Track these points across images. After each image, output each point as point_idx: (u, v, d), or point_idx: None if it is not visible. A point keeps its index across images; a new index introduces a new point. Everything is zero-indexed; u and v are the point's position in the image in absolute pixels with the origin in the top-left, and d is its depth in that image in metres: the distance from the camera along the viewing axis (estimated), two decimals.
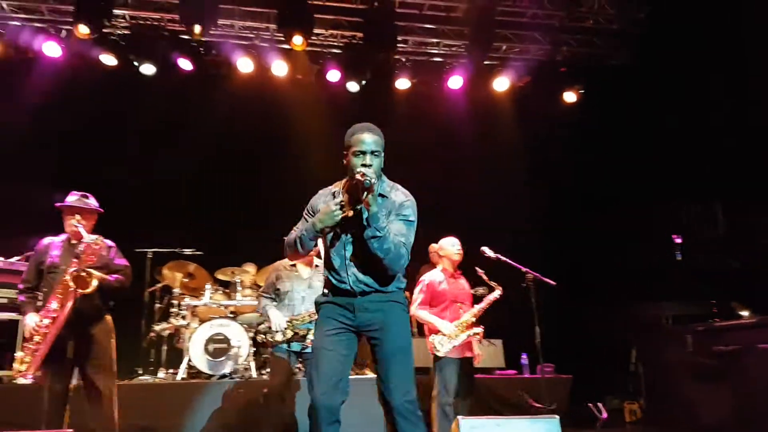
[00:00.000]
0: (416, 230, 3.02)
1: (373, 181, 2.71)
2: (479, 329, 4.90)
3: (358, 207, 2.81)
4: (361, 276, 2.91)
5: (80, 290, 3.79)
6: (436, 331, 4.73)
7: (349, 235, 2.92)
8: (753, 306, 5.80)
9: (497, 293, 5.04)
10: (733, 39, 6.74)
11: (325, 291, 3.05)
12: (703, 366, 5.49)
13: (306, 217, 3.08)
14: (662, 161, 7.73)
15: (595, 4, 7.93)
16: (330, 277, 2.99)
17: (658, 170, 7.78)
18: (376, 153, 2.89)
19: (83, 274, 3.81)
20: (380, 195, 2.91)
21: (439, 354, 4.67)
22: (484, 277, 5.06)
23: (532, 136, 8.44)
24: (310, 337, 4.38)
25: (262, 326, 4.68)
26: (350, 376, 2.94)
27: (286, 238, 3.07)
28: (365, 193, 2.70)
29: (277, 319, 4.53)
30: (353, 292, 2.91)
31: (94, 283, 3.86)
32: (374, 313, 2.91)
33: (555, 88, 8.40)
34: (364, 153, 2.85)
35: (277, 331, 4.48)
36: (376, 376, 2.95)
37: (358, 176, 2.72)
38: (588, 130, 8.32)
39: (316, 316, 4.39)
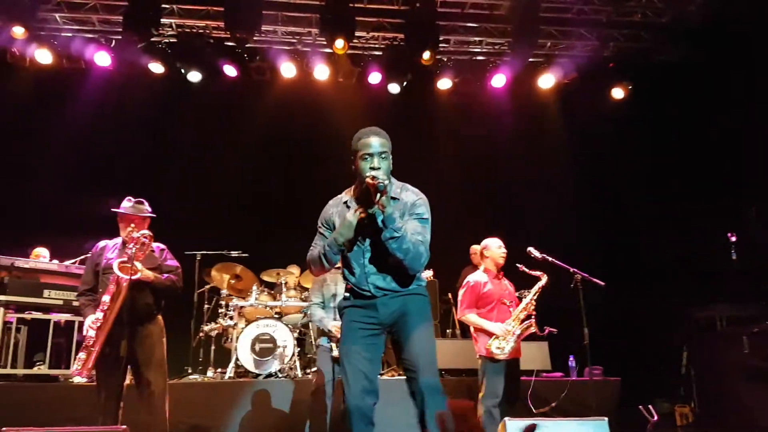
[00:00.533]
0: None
1: (385, 182, 2.71)
2: (531, 318, 4.84)
3: (372, 210, 2.80)
4: (381, 282, 2.92)
5: (126, 277, 3.86)
6: (488, 334, 4.67)
7: (366, 243, 2.92)
8: None
9: (543, 281, 4.97)
10: None
11: (347, 295, 3.05)
12: (759, 368, 5.30)
13: (321, 230, 3.08)
14: (716, 159, 7.46)
15: None
16: (351, 283, 2.99)
17: (712, 169, 7.50)
18: (383, 155, 2.87)
19: (127, 264, 3.90)
20: (391, 197, 2.89)
21: (501, 357, 4.62)
22: (526, 270, 4.98)
23: (579, 134, 8.26)
24: None
25: (325, 344, 4.75)
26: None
27: (308, 256, 3.06)
28: (378, 195, 2.70)
29: (336, 326, 4.58)
30: (374, 297, 2.93)
31: (138, 265, 3.95)
32: (396, 304, 2.92)
33: (602, 85, 8.21)
34: (371, 155, 2.83)
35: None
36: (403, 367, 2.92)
37: (368, 179, 2.71)
38: (638, 126, 8.10)
39: None
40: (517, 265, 4.93)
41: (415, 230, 2.87)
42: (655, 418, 5.01)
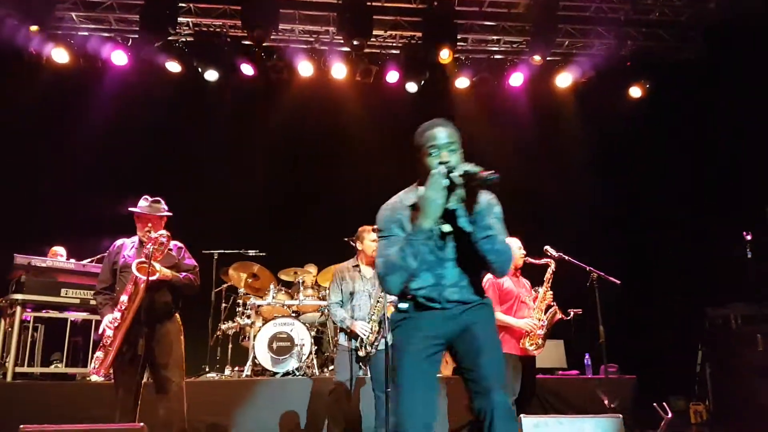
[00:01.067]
0: None
1: (494, 175, 2.38)
2: (553, 306, 4.93)
3: (452, 206, 2.50)
4: (456, 296, 2.59)
5: (144, 278, 3.87)
6: (513, 332, 4.73)
7: (446, 250, 2.59)
8: None
9: (552, 267, 5.03)
10: None
11: (403, 306, 2.65)
12: None
13: (387, 235, 2.62)
14: (734, 158, 7.37)
15: None
16: (415, 294, 2.60)
17: (730, 167, 7.42)
18: (452, 147, 2.58)
19: (145, 264, 3.90)
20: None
21: (536, 353, 4.76)
22: (532, 261, 5.01)
23: (596, 132, 8.19)
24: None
25: (345, 344, 4.77)
26: None
27: (379, 266, 2.57)
28: (480, 189, 2.43)
29: (361, 326, 4.63)
30: (444, 309, 2.60)
31: (157, 266, 3.95)
32: (466, 316, 2.61)
33: (620, 84, 8.14)
34: (437, 148, 2.56)
35: (366, 336, 4.58)
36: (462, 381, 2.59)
37: (477, 172, 2.38)
38: (655, 125, 8.02)
39: (385, 302, 4.48)
40: (524, 256, 4.95)
41: (500, 230, 2.60)
42: (670, 415, 5.02)
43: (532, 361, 4.91)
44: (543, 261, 5.04)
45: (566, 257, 5.12)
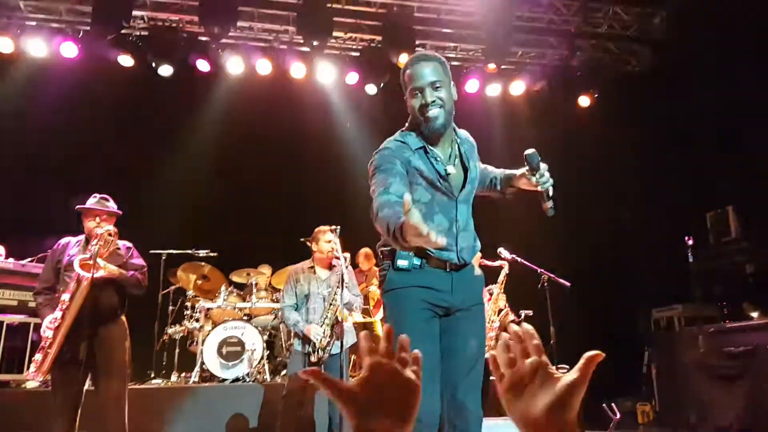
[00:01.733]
0: None
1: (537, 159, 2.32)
2: (505, 306, 4.98)
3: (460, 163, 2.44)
4: (467, 251, 2.41)
5: (87, 275, 3.70)
6: None
7: (456, 189, 2.40)
8: (764, 307, 5.80)
9: (505, 269, 5.11)
10: (751, 48, 6.67)
11: (403, 265, 2.29)
12: (714, 367, 5.50)
13: (392, 170, 2.24)
14: (676, 165, 7.69)
15: (610, 10, 7.91)
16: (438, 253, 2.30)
17: (672, 174, 7.73)
18: (437, 85, 2.29)
19: (89, 261, 3.74)
20: (460, 139, 2.51)
21: (488, 354, 4.69)
22: (486, 262, 5.08)
23: (548, 139, 8.38)
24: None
25: (297, 347, 4.69)
26: None
27: (375, 207, 2.15)
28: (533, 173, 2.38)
29: (315, 330, 4.56)
30: (457, 265, 2.37)
31: (101, 262, 3.79)
32: (470, 287, 2.42)
33: (570, 93, 8.36)
34: (421, 90, 2.28)
35: (319, 339, 4.48)
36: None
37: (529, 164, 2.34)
38: (603, 134, 8.28)
39: (338, 305, 4.43)
40: (479, 255, 5.02)
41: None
42: (618, 416, 5.16)
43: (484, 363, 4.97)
44: (497, 263, 5.14)
45: (519, 259, 5.24)
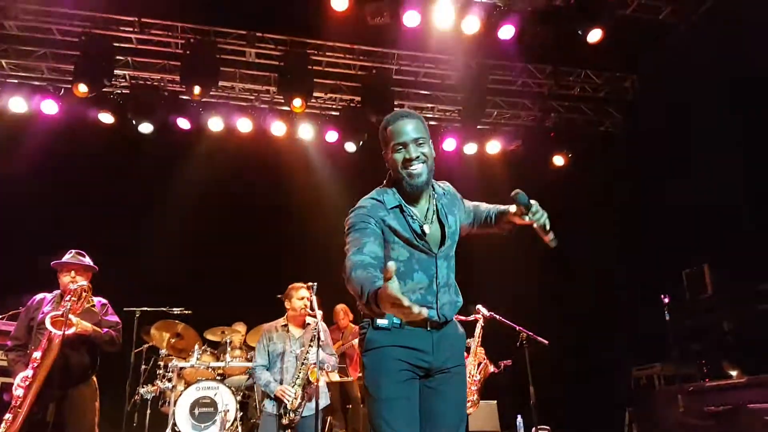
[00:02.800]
0: None
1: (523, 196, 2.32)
2: (484, 359, 4.93)
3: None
4: (448, 308, 2.37)
5: (58, 332, 3.65)
6: None
7: (443, 248, 2.39)
8: (743, 366, 5.82)
9: (481, 322, 5.10)
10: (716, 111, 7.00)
11: (383, 323, 2.27)
12: (695, 427, 5.45)
13: (363, 229, 2.26)
14: (651, 223, 7.87)
15: (582, 73, 8.26)
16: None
17: (647, 232, 7.89)
18: (420, 141, 2.32)
19: (64, 319, 3.69)
20: (439, 193, 2.49)
21: (470, 410, 4.65)
22: (462, 318, 5.07)
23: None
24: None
25: (269, 408, 4.55)
26: None
27: (347, 266, 2.13)
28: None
29: (288, 392, 4.43)
30: (437, 323, 2.33)
31: (74, 319, 3.74)
32: (452, 347, 2.36)
33: (544, 153, 8.60)
34: (405, 145, 2.30)
35: (291, 408, 4.37)
36: None
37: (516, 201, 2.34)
38: (578, 193, 8.47)
39: (309, 364, 4.35)
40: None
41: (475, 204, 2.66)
42: None
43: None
44: (471, 317, 5.14)
45: (497, 317, 5.24)
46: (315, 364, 4.35)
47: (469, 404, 4.73)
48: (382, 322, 2.27)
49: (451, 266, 2.44)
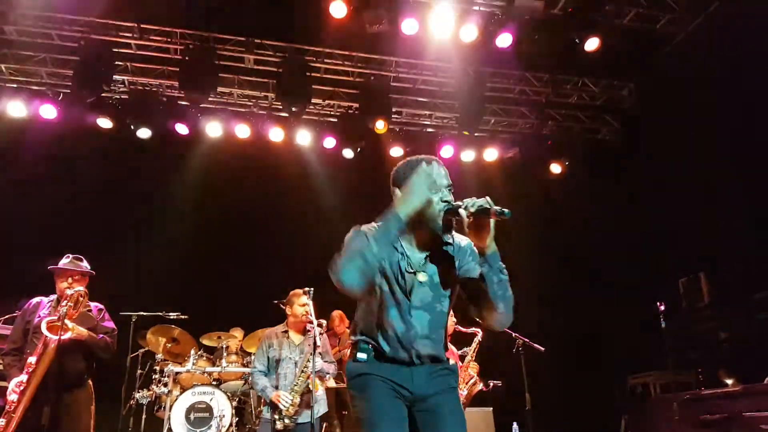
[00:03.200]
0: None
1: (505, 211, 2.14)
2: (474, 378, 4.90)
3: (428, 254, 2.30)
4: (427, 349, 2.28)
5: (53, 337, 3.66)
6: None
7: (418, 295, 2.29)
8: (739, 374, 5.82)
9: (479, 337, 5.09)
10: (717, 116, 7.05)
11: (362, 357, 2.29)
12: None
13: (356, 233, 2.29)
14: (648, 231, 7.89)
15: (579, 82, 8.30)
16: (379, 344, 2.28)
17: (644, 240, 7.92)
18: (451, 189, 2.33)
19: (59, 324, 3.69)
20: (446, 243, 2.36)
21: None
22: (461, 329, 5.08)
23: (521, 204, 8.58)
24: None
25: (267, 415, 4.55)
26: None
27: (336, 259, 2.18)
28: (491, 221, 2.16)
29: (284, 398, 4.44)
30: (412, 364, 2.28)
31: (70, 324, 3.75)
32: (437, 376, 2.30)
33: (542, 160, 8.63)
34: (438, 189, 2.27)
35: (286, 407, 4.37)
36: None
37: (491, 206, 2.14)
38: (575, 200, 8.50)
39: (309, 372, 4.35)
40: (453, 320, 5.01)
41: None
42: None
43: None
44: (471, 330, 5.14)
45: None
46: (314, 372, 4.36)
47: None
48: (361, 356, 2.29)
49: (440, 322, 2.33)
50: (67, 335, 3.72)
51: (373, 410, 2.21)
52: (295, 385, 4.47)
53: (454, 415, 2.26)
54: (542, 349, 5.42)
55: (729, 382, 5.95)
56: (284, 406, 4.38)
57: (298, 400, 4.41)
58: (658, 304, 6.90)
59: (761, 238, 6.48)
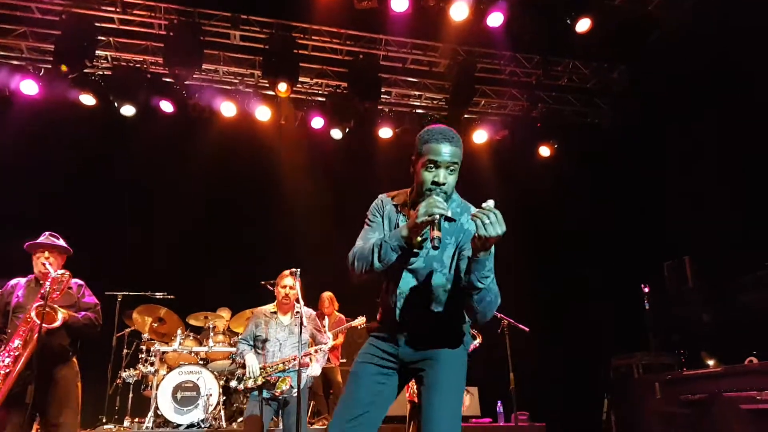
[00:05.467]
0: None
1: (442, 213, 2.15)
2: None
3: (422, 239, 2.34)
4: (413, 318, 2.40)
5: (45, 325, 3.63)
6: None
7: (417, 268, 2.38)
8: (721, 356, 5.92)
9: (477, 342, 5.12)
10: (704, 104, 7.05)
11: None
12: (672, 414, 5.54)
13: (372, 223, 2.50)
14: (634, 215, 7.94)
15: (569, 64, 8.25)
16: (382, 305, 2.51)
17: (630, 224, 7.97)
18: (452, 168, 2.30)
19: (48, 309, 3.67)
20: (446, 219, 2.35)
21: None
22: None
23: (510, 186, 8.60)
24: (282, 386, 4.35)
25: (237, 371, 4.58)
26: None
27: (352, 252, 2.40)
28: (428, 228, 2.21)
29: (253, 364, 4.46)
30: (400, 327, 2.41)
31: (60, 316, 3.73)
32: (424, 344, 2.39)
33: (531, 143, 8.61)
34: (437, 166, 2.28)
35: (250, 377, 4.38)
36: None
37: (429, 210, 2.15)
38: (563, 183, 8.51)
39: (291, 364, 4.39)
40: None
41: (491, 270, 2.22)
42: None
43: None
44: (473, 332, 5.19)
45: None
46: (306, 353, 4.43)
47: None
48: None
49: (427, 291, 2.39)
50: (56, 324, 3.72)
51: (352, 370, 2.46)
52: (270, 367, 4.48)
53: (448, 377, 2.34)
54: (527, 329, 5.47)
55: (711, 363, 6.04)
56: (249, 375, 4.40)
57: (261, 381, 4.40)
58: (643, 286, 6.99)
59: (746, 222, 6.54)
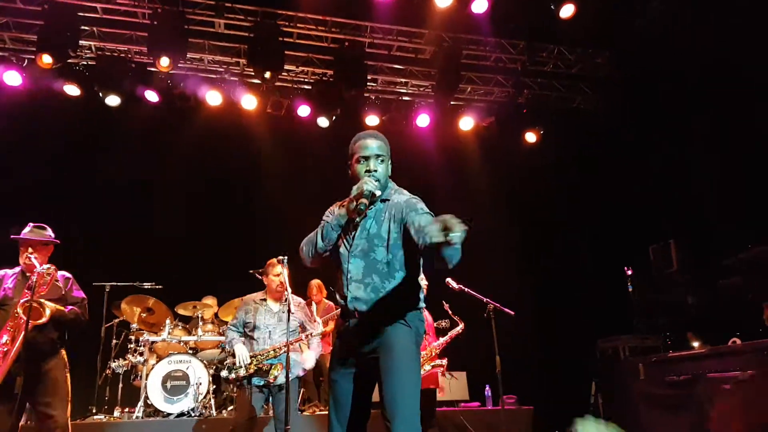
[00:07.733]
0: None
1: (373, 192, 2.57)
2: (443, 362, 4.99)
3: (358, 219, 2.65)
4: (360, 294, 2.61)
5: (32, 321, 3.65)
6: None
7: (354, 246, 2.66)
8: (707, 337, 6.01)
9: (459, 328, 5.19)
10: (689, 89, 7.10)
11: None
12: (657, 396, 5.63)
13: (320, 225, 2.82)
14: (620, 199, 8.02)
15: (555, 50, 8.27)
16: (338, 292, 2.73)
17: (616, 208, 8.05)
18: (381, 158, 2.72)
19: (35, 304, 3.68)
20: (382, 200, 2.71)
21: None
22: (449, 312, 5.16)
23: (496, 172, 8.65)
24: (275, 372, 4.37)
25: (227, 361, 4.60)
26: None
27: (303, 242, 2.83)
28: (357, 202, 2.54)
29: (243, 353, 4.48)
30: (352, 313, 2.63)
31: (47, 312, 3.74)
32: (376, 328, 2.58)
33: (517, 129, 8.64)
34: (367, 158, 2.70)
35: (240, 366, 4.41)
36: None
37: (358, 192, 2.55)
38: (549, 168, 8.56)
39: (281, 351, 4.43)
40: (444, 302, 5.10)
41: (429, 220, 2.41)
42: None
43: (432, 393, 4.98)
44: (456, 318, 5.28)
45: (466, 289, 5.33)
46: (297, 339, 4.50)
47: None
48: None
49: (373, 267, 2.62)
50: (43, 320, 3.74)
51: (331, 377, 2.72)
52: (260, 355, 4.51)
53: (400, 358, 2.51)
54: (513, 313, 5.51)
55: (695, 345, 6.13)
56: (239, 363, 4.43)
57: (253, 369, 4.43)
58: (626, 269, 7.08)
59: (730, 206, 6.62)
